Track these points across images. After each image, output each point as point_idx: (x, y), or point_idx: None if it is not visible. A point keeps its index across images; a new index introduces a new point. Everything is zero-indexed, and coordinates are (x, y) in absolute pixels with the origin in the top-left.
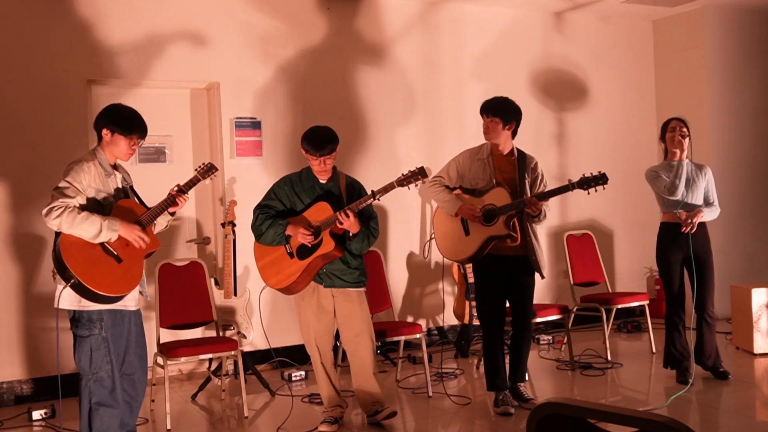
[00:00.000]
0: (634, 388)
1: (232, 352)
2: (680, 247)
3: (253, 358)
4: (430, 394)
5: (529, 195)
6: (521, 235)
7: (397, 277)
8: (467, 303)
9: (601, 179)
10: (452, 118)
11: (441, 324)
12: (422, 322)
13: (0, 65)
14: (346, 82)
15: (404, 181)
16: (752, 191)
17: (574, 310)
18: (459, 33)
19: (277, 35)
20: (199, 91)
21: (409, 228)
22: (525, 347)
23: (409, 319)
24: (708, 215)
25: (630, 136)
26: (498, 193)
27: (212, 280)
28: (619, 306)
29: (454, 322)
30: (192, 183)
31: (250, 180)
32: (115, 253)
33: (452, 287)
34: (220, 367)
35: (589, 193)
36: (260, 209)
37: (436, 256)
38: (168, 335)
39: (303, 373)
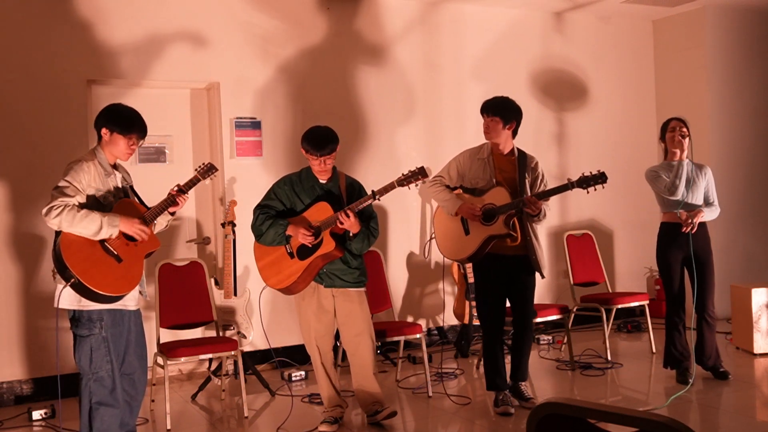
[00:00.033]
0: (634, 388)
1: (232, 352)
2: (680, 247)
3: (253, 358)
4: (430, 394)
5: (529, 194)
6: (521, 235)
7: (397, 277)
8: (467, 303)
9: (600, 178)
10: (452, 118)
11: (441, 324)
12: (422, 322)
13: (0, 65)
14: (346, 82)
15: (405, 180)
16: (752, 191)
17: (574, 310)
18: (459, 33)
19: (277, 35)
20: (199, 91)
21: (409, 228)
22: (526, 347)
23: (409, 319)
24: (708, 215)
25: (630, 136)
26: (498, 193)
27: (212, 280)
28: (619, 306)
29: (454, 322)
30: (192, 183)
31: (250, 180)
32: (116, 252)
33: (452, 287)
34: (220, 367)
35: (588, 192)
36: (260, 209)
37: (436, 256)
38: (168, 335)
39: (303, 373)
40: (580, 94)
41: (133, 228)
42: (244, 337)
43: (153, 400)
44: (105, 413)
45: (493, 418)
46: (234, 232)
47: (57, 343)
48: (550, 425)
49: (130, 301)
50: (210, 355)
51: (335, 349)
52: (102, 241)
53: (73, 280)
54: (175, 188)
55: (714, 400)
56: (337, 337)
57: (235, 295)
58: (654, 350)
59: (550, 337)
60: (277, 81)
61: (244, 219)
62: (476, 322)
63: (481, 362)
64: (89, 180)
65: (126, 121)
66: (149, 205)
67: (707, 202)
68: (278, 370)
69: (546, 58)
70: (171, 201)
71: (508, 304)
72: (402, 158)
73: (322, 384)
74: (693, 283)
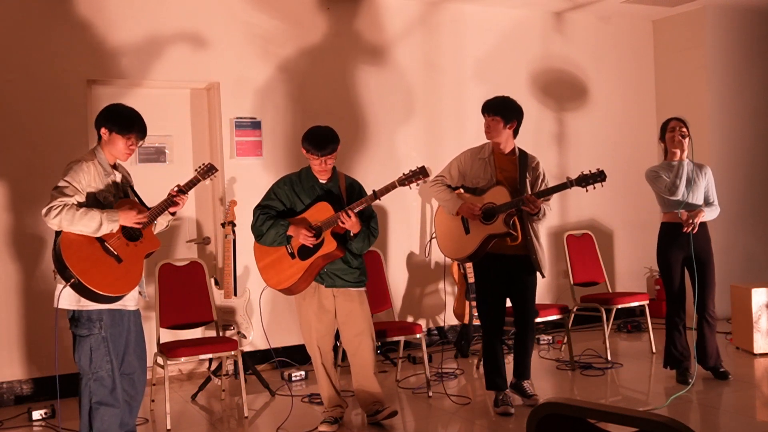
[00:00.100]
0: (634, 388)
1: (232, 352)
2: (681, 247)
3: (253, 358)
4: (430, 394)
5: (529, 193)
6: (522, 234)
7: (397, 277)
8: (467, 303)
9: (599, 176)
10: (452, 118)
11: (441, 324)
12: (422, 322)
13: (0, 65)
14: (346, 82)
15: (405, 180)
16: (752, 191)
17: (574, 310)
18: (459, 33)
19: (277, 35)
20: (199, 91)
21: (409, 228)
22: (528, 346)
23: (409, 319)
24: (708, 215)
25: (630, 136)
26: (498, 192)
27: (212, 280)
28: (619, 306)
29: (454, 322)
30: (192, 183)
31: (250, 180)
32: (116, 253)
33: (452, 287)
34: (220, 367)
35: (587, 191)
36: (260, 209)
37: (436, 256)
38: (168, 335)
39: (303, 373)
40: (580, 94)
41: (132, 219)
42: (244, 337)
43: (153, 400)
44: (105, 413)
45: (493, 418)
46: (234, 232)
47: (56, 343)
48: (550, 425)
49: (130, 301)
50: (210, 355)
51: (335, 349)
52: (102, 242)
53: (73, 280)
54: (175, 189)
55: (714, 400)
56: (337, 337)
57: (235, 295)
58: (654, 350)
59: (550, 337)
60: (277, 81)
61: (244, 219)
62: (476, 322)
63: (481, 362)
64: (89, 180)
65: (125, 121)
66: (149, 206)
67: (707, 202)
68: (278, 370)
69: (546, 58)
70: (171, 202)
71: (508, 304)
72: (402, 158)
73: (323, 384)
74: (693, 283)
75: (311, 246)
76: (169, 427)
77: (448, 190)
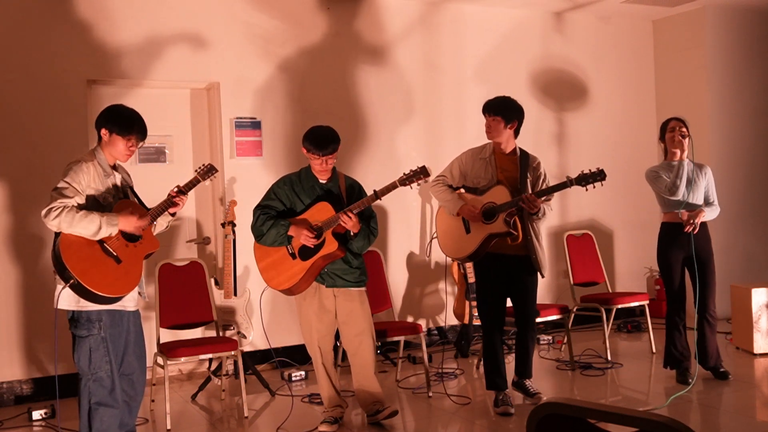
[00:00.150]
0: (634, 388)
1: (232, 352)
2: (681, 247)
3: (253, 358)
4: (430, 394)
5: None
6: (522, 234)
7: (397, 277)
8: (467, 303)
9: (599, 176)
10: (452, 118)
11: (441, 324)
12: (422, 322)
13: (0, 65)
14: (346, 82)
15: (406, 180)
16: (752, 191)
17: (574, 310)
18: (459, 33)
19: (277, 35)
20: (199, 91)
21: (409, 228)
22: (530, 345)
23: (409, 319)
24: (709, 215)
25: (630, 136)
26: (498, 191)
27: (212, 280)
28: (619, 306)
29: (455, 322)
30: (192, 184)
31: (250, 180)
32: (115, 253)
33: (452, 287)
34: (220, 367)
35: (587, 190)
36: (261, 210)
37: (436, 256)
38: (168, 335)
39: (303, 373)
40: (580, 94)
41: (132, 225)
42: (244, 337)
43: (153, 400)
44: (104, 413)
45: (493, 418)
46: (234, 232)
47: (56, 343)
48: (550, 425)
49: (129, 302)
50: (210, 355)
51: (335, 349)
52: (101, 242)
53: (72, 281)
54: (175, 189)
55: (714, 400)
56: (337, 337)
57: (235, 295)
58: (654, 350)
59: (550, 337)
60: (277, 81)
61: (244, 219)
62: (476, 322)
63: (481, 362)
64: (88, 181)
65: (126, 122)
66: (149, 206)
67: (707, 202)
68: (278, 370)
69: (546, 58)
70: (170, 202)
71: (509, 304)
72: (402, 158)
73: (323, 384)
74: (694, 283)
75: (312, 246)
76: (169, 427)
77: (449, 190)
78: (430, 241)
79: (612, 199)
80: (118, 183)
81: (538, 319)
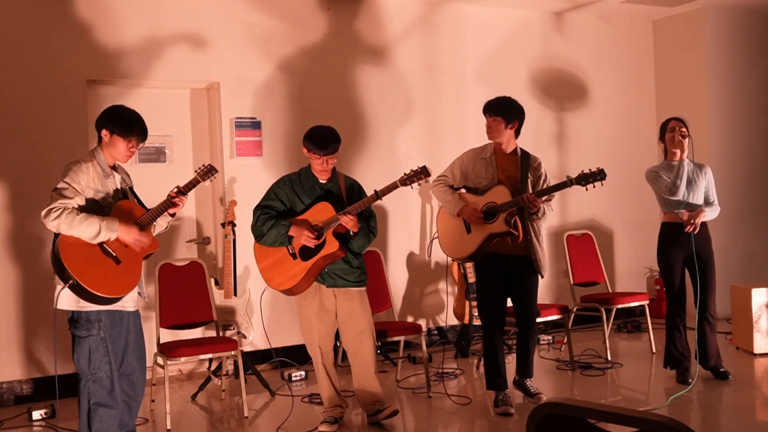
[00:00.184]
0: (634, 388)
1: (232, 352)
2: (682, 247)
3: (253, 358)
4: (430, 394)
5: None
6: (522, 234)
7: (397, 277)
8: (467, 303)
9: (599, 175)
10: (452, 118)
11: (441, 324)
12: (422, 322)
13: (0, 65)
14: (346, 82)
15: (407, 180)
16: (752, 191)
17: (574, 310)
18: (459, 33)
19: (277, 35)
20: (199, 91)
21: (409, 228)
22: (531, 345)
23: (409, 319)
24: (709, 215)
25: (630, 136)
26: (499, 191)
27: (212, 280)
28: (619, 306)
29: (455, 322)
30: (192, 184)
31: (250, 180)
32: (114, 254)
33: (452, 287)
34: (220, 367)
35: (587, 190)
36: (261, 210)
37: (436, 256)
38: (168, 335)
39: (303, 373)
40: (580, 94)
41: (131, 237)
42: (244, 337)
43: (153, 400)
44: (103, 414)
45: (493, 418)
46: (234, 232)
47: (55, 343)
48: (550, 425)
49: (129, 302)
50: (210, 355)
51: (335, 349)
52: (101, 243)
53: (71, 281)
54: (175, 190)
55: (714, 400)
56: (336, 337)
57: (235, 295)
58: (654, 350)
59: (550, 337)
60: (277, 81)
61: (244, 219)
62: (476, 322)
63: (482, 362)
64: (88, 181)
65: (127, 124)
66: (149, 206)
67: (707, 202)
68: (278, 370)
69: (546, 58)
70: (170, 203)
71: (509, 304)
72: (402, 158)
73: (323, 384)
74: (695, 283)
75: (313, 246)
76: (169, 427)
77: (450, 190)
78: (431, 241)
79: (612, 199)
80: (118, 183)
81: (538, 319)
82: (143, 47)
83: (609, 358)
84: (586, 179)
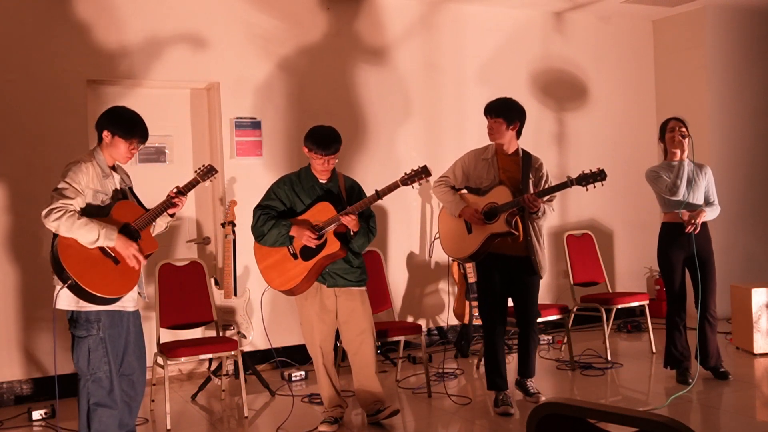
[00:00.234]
0: (634, 388)
1: (232, 352)
2: (682, 247)
3: (253, 358)
4: (430, 394)
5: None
6: (523, 235)
7: (397, 277)
8: (467, 303)
9: (599, 176)
10: (452, 118)
11: (441, 324)
12: (422, 322)
13: (0, 65)
14: (346, 82)
15: (408, 180)
16: (752, 191)
17: (574, 310)
18: (459, 33)
19: (278, 35)
20: (199, 91)
21: (410, 228)
22: (532, 346)
23: (410, 319)
24: (709, 215)
25: (630, 136)
26: (500, 191)
27: (212, 280)
28: (619, 306)
29: (455, 322)
30: (191, 185)
31: (250, 180)
32: (113, 254)
33: (452, 287)
34: (220, 367)
35: (587, 190)
36: (261, 210)
37: (436, 256)
38: (168, 335)
39: (303, 373)
40: (580, 94)
41: (128, 251)
42: (244, 337)
43: (153, 400)
44: (103, 414)
45: (493, 418)
46: (234, 232)
47: (54, 343)
48: (550, 425)
49: (129, 302)
50: (210, 355)
51: (335, 348)
52: None
53: (70, 282)
54: (174, 190)
55: (714, 400)
56: (336, 336)
57: (235, 295)
58: (654, 350)
59: (550, 337)
60: (277, 81)
61: (244, 219)
62: (477, 322)
63: (481, 362)
64: (87, 181)
65: (128, 125)
66: (148, 207)
67: (707, 202)
68: (278, 370)
69: (546, 58)
70: (169, 203)
71: (510, 304)
72: (402, 158)
73: (323, 384)
74: (695, 283)
75: (314, 247)
76: (169, 427)
77: (451, 191)
78: (433, 241)
79: (612, 199)
80: (117, 184)
81: (539, 319)
82: (143, 47)
83: (609, 358)
84: (586, 179)
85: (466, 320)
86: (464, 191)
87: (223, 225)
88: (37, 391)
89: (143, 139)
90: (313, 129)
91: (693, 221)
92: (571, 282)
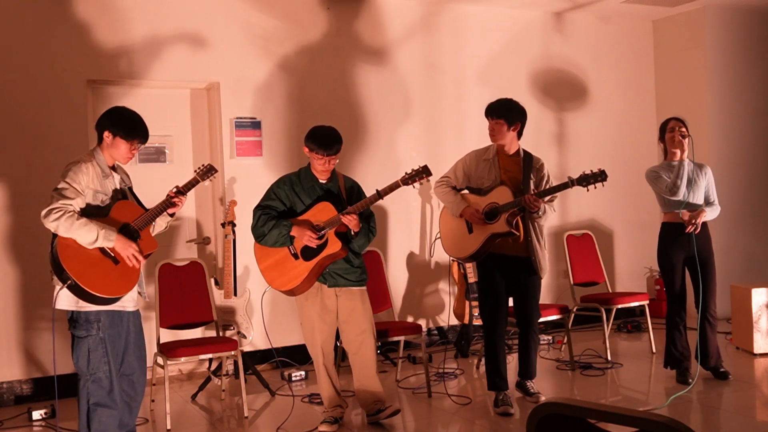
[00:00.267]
0: (634, 388)
1: (232, 352)
2: (682, 247)
3: (253, 358)
4: (430, 394)
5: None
6: (524, 235)
7: (397, 277)
8: (467, 303)
9: (600, 176)
10: (452, 118)
11: (441, 324)
12: (422, 322)
13: (0, 65)
14: (346, 82)
15: (409, 179)
16: (752, 191)
17: (574, 310)
18: (459, 33)
19: (278, 35)
20: (199, 91)
21: (409, 228)
22: (531, 346)
23: (410, 319)
24: (709, 215)
25: (630, 136)
26: (501, 192)
27: (212, 280)
28: (619, 306)
29: (455, 322)
30: (191, 184)
31: (250, 180)
32: (113, 254)
33: (452, 287)
34: (220, 367)
35: (588, 190)
36: (261, 210)
37: (437, 256)
38: (168, 335)
39: (303, 373)
40: (580, 94)
41: (127, 251)
42: (244, 337)
43: (153, 400)
44: (102, 414)
45: (493, 418)
46: (234, 232)
47: (53, 343)
48: (550, 425)
49: (129, 302)
50: (210, 355)
51: (335, 348)
52: None
53: (69, 282)
54: (174, 190)
55: (714, 400)
56: (336, 336)
57: (235, 295)
58: (654, 350)
59: (550, 337)
60: (277, 81)
61: (244, 219)
62: (476, 322)
63: (482, 362)
64: (87, 181)
65: (130, 126)
66: (148, 206)
67: (708, 202)
68: (278, 370)
69: (546, 58)
70: (169, 203)
71: (510, 304)
72: (402, 158)
73: (323, 384)
74: (695, 283)
75: (315, 247)
76: (169, 427)
77: (452, 191)
78: (434, 241)
79: (612, 199)
80: (117, 184)
81: (539, 319)
82: (143, 47)
83: (609, 358)
84: (587, 180)
85: (466, 320)
86: (465, 191)
87: (223, 225)
88: (37, 391)
89: (144, 140)
90: (314, 129)
91: (693, 221)
92: (571, 282)
